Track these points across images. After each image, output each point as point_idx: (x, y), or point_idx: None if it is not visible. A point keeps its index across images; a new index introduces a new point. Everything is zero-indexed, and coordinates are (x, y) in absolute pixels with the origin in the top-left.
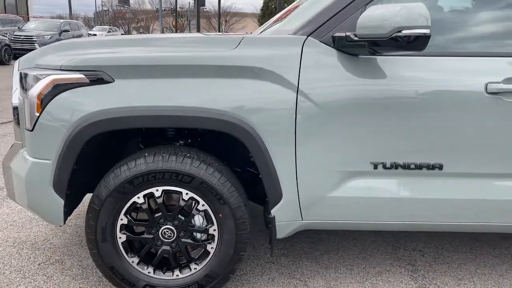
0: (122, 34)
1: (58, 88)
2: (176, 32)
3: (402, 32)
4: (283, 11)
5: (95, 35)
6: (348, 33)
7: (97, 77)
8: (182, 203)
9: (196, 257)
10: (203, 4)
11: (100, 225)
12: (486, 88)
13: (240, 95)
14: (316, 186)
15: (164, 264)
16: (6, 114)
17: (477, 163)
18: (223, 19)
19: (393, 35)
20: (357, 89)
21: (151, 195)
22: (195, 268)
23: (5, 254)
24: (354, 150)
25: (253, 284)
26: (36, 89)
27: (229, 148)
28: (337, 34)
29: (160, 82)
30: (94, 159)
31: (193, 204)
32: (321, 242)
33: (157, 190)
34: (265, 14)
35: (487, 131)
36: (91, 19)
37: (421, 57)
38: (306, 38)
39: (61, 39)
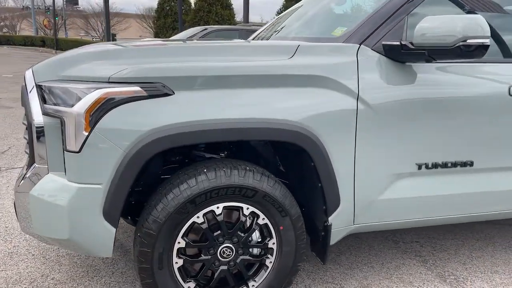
0: None
1: (111, 103)
2: (50, 32)
3: (467, 41)
4: (288, 17)
5: None
6: (403, 42)
7: (156, 90)
8: (242, 218)
9: (251, 273)
10: (76, 3)
11: (157, 251)
12: (509, 91)
13: (304, 104)
14: (369, 191)
15: (220, 285)
16: None
17: (503, 158)
18: (103, 19)
19: (457, 44)
20: (406, 95)
21: (210, 213)
22: (253, 285)
23: None
24: (403, 153)
25: None
26: (83, 105)
27: (257, 158)
28: (390, 42)
29: (222, 93)
30: None
31: (254, 219)
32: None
33: (217, 207)
34: (161, 16)
35: (510, 130)
36: None
37: (456, 64)
38: (359, 47)
39: None
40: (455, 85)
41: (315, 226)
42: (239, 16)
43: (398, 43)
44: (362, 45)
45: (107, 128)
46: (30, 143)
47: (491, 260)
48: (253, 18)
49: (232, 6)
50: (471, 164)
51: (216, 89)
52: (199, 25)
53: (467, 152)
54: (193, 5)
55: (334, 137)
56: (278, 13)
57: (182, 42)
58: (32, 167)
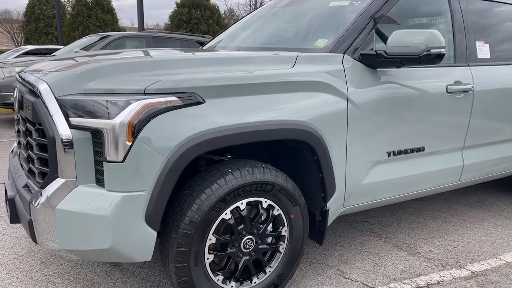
0: None
1: (151, 113)
2: None
3: (431, 51)
4: (248, 28)
5: None
6: (378, 51)
7: (189, 99)
8: (261, 211)
9: (266, 259)
10: None
11: (194, 249)
12: (447, 89)
13: (309, 107)
14: (356, 177)
15: (242, 274)
16: None
17: (445, 142)
18: None
19: (423, 53)
20: (378, 96)
21: (235, 209)
22: (269, 271)
23: None
24: (378, 144)
25: (294, 278)
26: (125, 116)
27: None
28: (367, 52)
29: (245, 99)
30: None
31: (269, 211)
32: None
33: (242, 203)
34: (31, 20)
35: (452, 120)
36: None
37: (410, 69)
38: (343, 56)
39: None
40: (409, 86)
41: (311, 212)
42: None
43: (374, 52)
44: (345, 55)
45: (149, 137)
46: (51, 158)
47: (426, 229)
48: (124, 22)
49: (115, 10)
50: (423, 149)
51: (240, 96)
52: (77, 30)
53: (419, 140)
54: (68, 9)
55: (332, 134)
56: (171, 18)
57: (202, 53)
58: (53, 182)
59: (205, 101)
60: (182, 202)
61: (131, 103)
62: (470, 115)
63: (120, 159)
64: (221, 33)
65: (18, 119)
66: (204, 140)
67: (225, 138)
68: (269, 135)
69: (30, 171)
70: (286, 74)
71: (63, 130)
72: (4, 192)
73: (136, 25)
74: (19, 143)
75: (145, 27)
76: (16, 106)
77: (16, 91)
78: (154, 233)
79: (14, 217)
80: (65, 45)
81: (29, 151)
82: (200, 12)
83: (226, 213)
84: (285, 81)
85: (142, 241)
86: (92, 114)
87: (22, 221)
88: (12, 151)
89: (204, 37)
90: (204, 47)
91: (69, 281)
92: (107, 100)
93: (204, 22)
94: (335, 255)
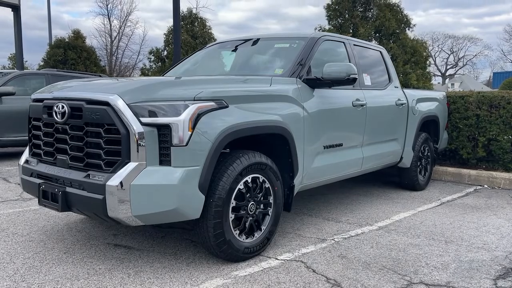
0: None
1: (201, 113)
2: None
3: (350, 76)
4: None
5: None
6: (317, 77)
7: (221, 104)
8: (259, 184)
9: (261, 220)
10: None
11: (225, 209)
12: (352, 104)
13: (283, 112)
14: (308, 163)
15: (248, 231)
16: None
17: (354, 140)
18: None
19: (346, 78)
20: (316, 106)
21: (245, 182)
22: (263, 228)
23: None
24: (318, 139)
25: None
26: (187, 115)
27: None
28: (310, 77)
29: (250, 105)
30: None
31: (262, 184)
32: None
33: (249, 178)
34: None
35: (356, 125)
36: None
37: (332, 89)
38: (297, 79)
39: None
40: (331, 101)
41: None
42: None
43: (314, 77)
44: (297, 78)
45: (201, 128)
46: (125, 148)
47: (339, 208)
48: None
49: None
50: (342, 145)
51: (246, 104)
52: None
53: (339, 138)
54: None
55: (296, 131)
56: (46, 59)
57: (217, 76)
58: (126, 166)
59: (228, 106)
60: (218, 175)
61: (189, 106)
62: (365, 122)
63: (185, 143)
64: (180, 62)
65: (47, 132)
66: (231, 131)
67: (242, 131)
68: (265, 129)
69: (88, 165)
70: (268, 90)
71: (137, 127)
72: (39, 194)
73: None
74: (45, 152)
75: None
76: (60, 118)
77: (57, 107)
78: (203, 197)
79: (65, 206)
80: None
81: (88, 149)
82: (77, 53)
83: (240, 184)
84: (268, 95)
85: (195, 203)
86: (161, 115)
87: (82, 205)
88: (25, 162)
89: (100, 76)
90: (171, 73)
91: (101, 260)
92: (173, 105)
93: (82, 63)
94: (289, 227)
